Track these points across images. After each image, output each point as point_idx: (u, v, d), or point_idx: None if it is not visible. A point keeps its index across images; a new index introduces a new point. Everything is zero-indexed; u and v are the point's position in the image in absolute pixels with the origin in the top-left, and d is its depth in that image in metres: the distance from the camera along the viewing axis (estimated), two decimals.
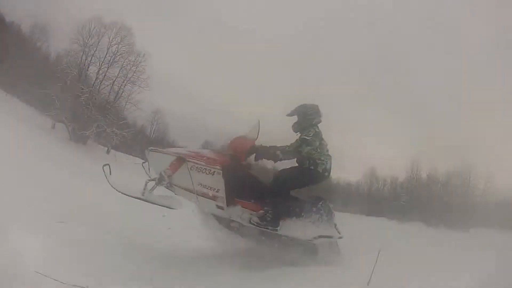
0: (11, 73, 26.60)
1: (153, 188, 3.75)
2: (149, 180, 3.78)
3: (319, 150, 4.27)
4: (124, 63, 24.49)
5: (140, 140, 27.34)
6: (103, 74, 24.43)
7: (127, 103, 24.98)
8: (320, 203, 4.17)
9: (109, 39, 24.39)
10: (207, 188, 3.82)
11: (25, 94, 24.92)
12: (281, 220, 3.99)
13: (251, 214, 3.98)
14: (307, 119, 4.44)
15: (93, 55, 24.36)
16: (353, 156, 26.41)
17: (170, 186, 3.99)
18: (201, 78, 27.80)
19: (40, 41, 28.06)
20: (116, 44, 24.39)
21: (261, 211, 3.98)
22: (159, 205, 3.75)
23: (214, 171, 3.79)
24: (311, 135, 4.25)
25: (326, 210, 4.16)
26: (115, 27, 24.47)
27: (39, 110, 23.81)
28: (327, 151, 4.39)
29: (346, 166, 27.36)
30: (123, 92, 24.82)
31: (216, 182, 3.82)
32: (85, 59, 24.39)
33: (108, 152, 24.56)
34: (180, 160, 3.82)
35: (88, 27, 24.28)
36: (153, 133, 30.46)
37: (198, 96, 26.22)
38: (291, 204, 4.10)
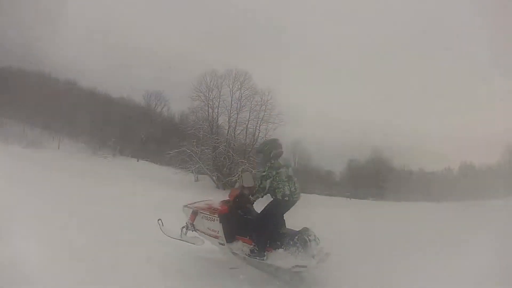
0: (137, 141, 29.51)
1: (185, 232, 5.75)
2: (182, 227, 5.75)
3: (277, 179, 5.03)
4: (252, 105, 26.00)
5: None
6: (235, 121, 25.94)
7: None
8: (296, 236, 4.92)
9: (229, 87, 26.16)
10: (212, 231, 5.38)
11: (158, 156, 27.92)
12: (267, 252, 4.96)
13: (248, 247, 5.15)
14: (266, 154, 5.26)
15: (218, 106, 26.11)
16: (485, 137, 26.19)
17: (194, 230, 5.68)
18: (328, 100, 29.24)
19: (159, 106, 31.27)
20: (237, 90, 26.07)
21: (252, 245, 5.09)
22: (190, 243, 5.66)
23: (214, 218, 5.33)
24: (266, 169, 5.10)
25: (301, 242, 4.86)
26: (231, 75, 26.28)
27: (177, 169, 25.01)
28: (287, 177, 5.10)
29: (480, 149, 26.97)
30: (259, 132, 25.94)
31: (216, 226, 5.31)
32: (212, 112, 26.18)
33: None
34: (194, 212, 5.65)
35: (205, 82, 26.25)
36: (297, 163, 31.30)
37: (329, 118, 27.38)
38: (273, 238, 5.02)
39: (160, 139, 28.94)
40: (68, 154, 30.28)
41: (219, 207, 5.41)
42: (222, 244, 5.32)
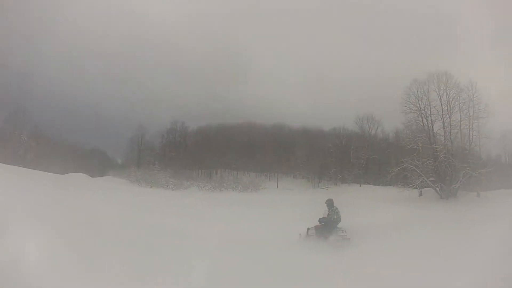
0: (358, 167, 40.34)
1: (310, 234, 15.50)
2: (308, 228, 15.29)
3: (332, 214, 15.06)
4: (460, 104, 31.65)
5: (503, 171, 33.89)
6: (449, 125, 31.72)
7: (481, 139, 31.25)
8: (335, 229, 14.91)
9: (436, 91, 32.36)
10: (310, 230, 15.16)
11: (380, 178, 36.96)
12: (330, 235, 14.85)
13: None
14: (328, 204, 15.47)
15: (430, 114, 32.30)
16: None
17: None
18: None
19: (373, 129, 42.32)
20: (443, 92, 32.13)
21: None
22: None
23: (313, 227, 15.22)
24: (329, 212, 15.19)
25: (335, 231, 14.99)
26: (434, 78, 32.70)
27: (401, 187, 32.35)
28: (336, 213, 15.17)
29: None
30: (472, 131, 31.27)
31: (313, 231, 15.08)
32: (426, 121, 32.44)
33: (478, 195, 29.87)
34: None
35: (413, 92, 33.12)
36: (507, 158, 37.85)
37: None
38: (329, 231, 14.87)
39: (380, 161, 38.13)
40: (287, 191, 42.07)
41: (317, 225, 15.07)
42: (313, 235, 15.13)
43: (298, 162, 44.98)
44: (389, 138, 42.37)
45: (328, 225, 15.17)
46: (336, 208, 15.56)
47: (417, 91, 33.31)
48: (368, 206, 25.70)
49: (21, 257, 8.92)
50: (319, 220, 15.44)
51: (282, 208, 24.72)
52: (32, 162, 39.73)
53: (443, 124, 32.36)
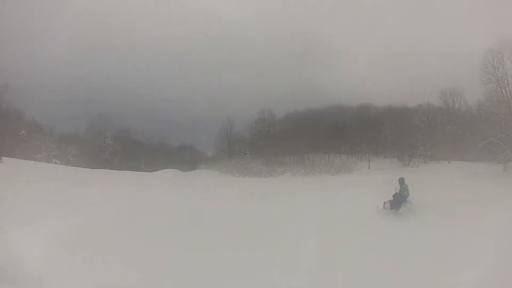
0: (445, 143, 42.12)
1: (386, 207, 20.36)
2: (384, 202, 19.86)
3: (402, 190, 19.64)
4: None
5: None
6: None
7: None
8: (403, 202, 19.79)
9: (511, 60, 33.79)
10: (386, 204, 20.07)
11: (467, 153, 38.14)
12: (400, 207, 19.60)
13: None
14: (400, 182, 20.10)
15: (507, 84, 34.06)
16: None
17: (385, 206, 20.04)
18: None
19: (457, 102, 44.99)
20: None
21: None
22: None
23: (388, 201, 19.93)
24: (401, 188, 19.80)
25: (404, 204, 19.86)
26: (505, 46, 34.14)
27: (486, 162, 33.27)
28: (406, 189, 19.69)
29: None
30: None
31: (388, 204, 19.83)
32: (505, 91, 34.30)
33: None
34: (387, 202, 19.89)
35: (490, 62, 34.92)
36: None
37: None
38: (399, 203, 19.60)
39: (466, 135, 39.52)
40: (379, 171, 45.19)
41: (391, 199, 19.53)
42: (388, 208, 19.84)
43: (388, 142, 47.69)
44: (472, 111, 43.15)
45: (399, 199, 19.70)
46: (406, 185, 20.04)
47: (493, 60, 34.75)
48: (451, 184, 28.64)
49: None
50: (393, 196, 19.82)
51: (374, 188, 26.33)
52: (119, 164, 45.86)
53: None
